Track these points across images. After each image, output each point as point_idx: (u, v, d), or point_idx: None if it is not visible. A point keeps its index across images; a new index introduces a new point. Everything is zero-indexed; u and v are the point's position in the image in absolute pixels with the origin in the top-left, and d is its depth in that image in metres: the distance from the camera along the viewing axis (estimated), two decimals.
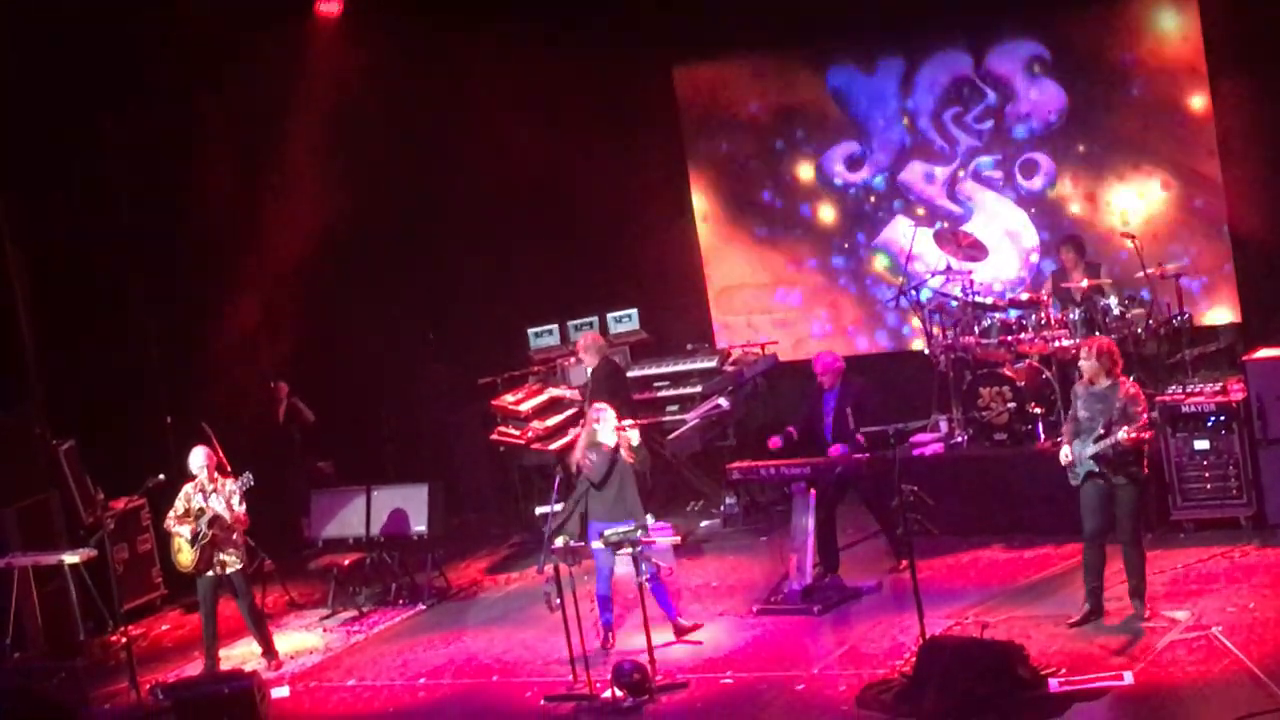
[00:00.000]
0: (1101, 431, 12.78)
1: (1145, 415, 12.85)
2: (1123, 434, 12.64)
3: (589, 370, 16.93)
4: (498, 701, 13.48)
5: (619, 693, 12.79)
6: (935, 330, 16.66)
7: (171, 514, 14.54)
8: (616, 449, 13.99)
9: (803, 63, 18.77)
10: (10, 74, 16.17)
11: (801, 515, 14.34)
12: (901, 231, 18.22)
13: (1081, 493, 13.00)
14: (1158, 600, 13.10)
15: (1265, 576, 13.34)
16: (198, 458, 14.47)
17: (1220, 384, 14.72)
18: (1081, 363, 13.17)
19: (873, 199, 18.83)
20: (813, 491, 14.34)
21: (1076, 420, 13.04)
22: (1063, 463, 13.05)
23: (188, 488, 14.49)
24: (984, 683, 11.64)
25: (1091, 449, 12.82)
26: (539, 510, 14.72)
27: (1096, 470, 12.84)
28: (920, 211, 18.38)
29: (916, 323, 17.41)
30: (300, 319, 18.37)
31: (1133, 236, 16.76)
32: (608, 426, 14.00)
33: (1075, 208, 17.87)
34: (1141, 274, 16.24)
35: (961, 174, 18.30)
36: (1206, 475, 14.46)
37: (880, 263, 18.86)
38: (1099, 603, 13.06)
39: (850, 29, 18.29)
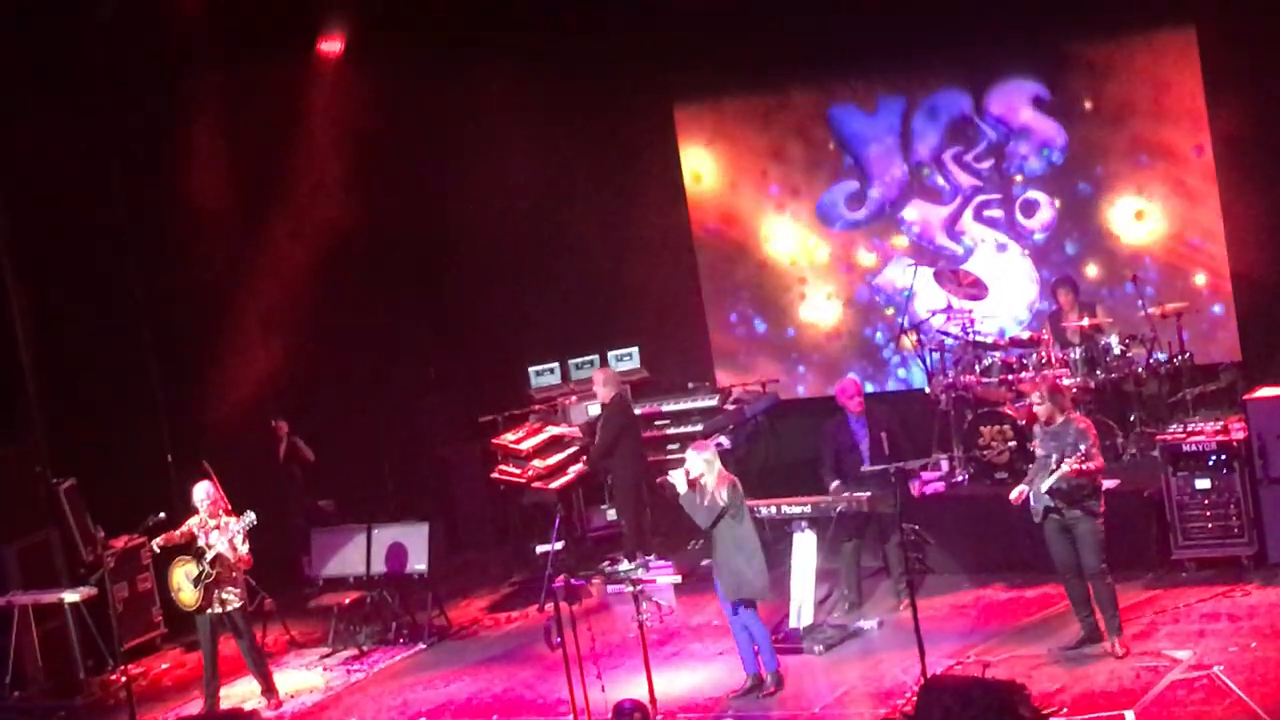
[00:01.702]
0: (1054, 467, 12.90)
1: (1095, 449, 12.95)
2: (1067, 465, 12.78)
3: (601, 405, 16.88)
4: None
5: None
6: (936, 369, 16.67)
7: (177, 532, 14.42)
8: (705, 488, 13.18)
9: (803, 101, 18.83)
10: (14, 98, 16.25)
11: (803, 554, 14.30)
12: (901, 270, 18.24)
13: (1044, 530, 13.15)
14: (1159, 639, 13.09)
15: (1267, 616, 13.31)
16: (200, 492, 14.46)
17: (1221, 423, 14.71)
18: (1035, 407, 13.28)
19: (872, 238, 18.85)
20: (813, 531, 14.33)
21: (1036, 460, 13.21)
22: (1012, 500, 13.19)
23: (195, 520, 14.43)
24: None
25: (1046, 484, 12.94)
26: (539, 549, 14.68)
27: (1053, 506, 12.97)
28: (920, 250, 18.41)
29: (916, 362, 17.40)
30: (300, 358, 18.36)
31: (1133, 276, 16.79)
32: (695, 465, 13.19)
33: (1075, 247, 17.90)
34: (1142, 313, 16.27)
35: (962, 213, 18.33)
36: (1208, 514, 14.41)
37: (880, 301, 18.87)
38: (1093, 630, 13.15)
39: (851, 67, 18.36)
